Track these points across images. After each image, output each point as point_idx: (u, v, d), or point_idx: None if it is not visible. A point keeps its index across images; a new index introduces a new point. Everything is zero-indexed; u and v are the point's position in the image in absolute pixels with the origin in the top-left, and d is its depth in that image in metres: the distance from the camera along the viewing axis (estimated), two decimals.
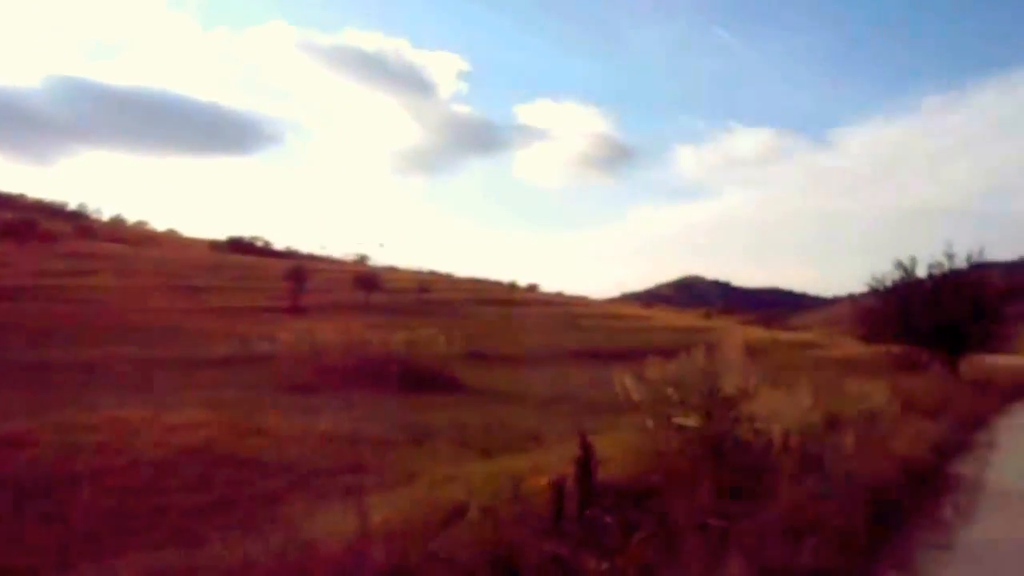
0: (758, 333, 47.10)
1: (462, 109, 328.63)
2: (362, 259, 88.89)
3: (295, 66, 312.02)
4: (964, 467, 9.60)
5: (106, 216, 78.54)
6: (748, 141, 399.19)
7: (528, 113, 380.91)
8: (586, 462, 5.03)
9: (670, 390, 7.78)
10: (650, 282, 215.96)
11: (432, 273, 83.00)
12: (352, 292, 47.56)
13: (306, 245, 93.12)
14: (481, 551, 4.54)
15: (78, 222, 65.05)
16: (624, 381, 7.57)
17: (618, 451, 7.21)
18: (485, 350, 25.82)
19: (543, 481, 6.17)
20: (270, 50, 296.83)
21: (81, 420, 8.56)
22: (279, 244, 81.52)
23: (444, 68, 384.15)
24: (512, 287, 71.95)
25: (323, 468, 7.62)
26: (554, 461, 7.22)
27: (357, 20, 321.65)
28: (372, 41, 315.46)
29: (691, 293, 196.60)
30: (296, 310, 38.10)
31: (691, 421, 6.94)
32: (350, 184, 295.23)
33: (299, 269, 43.70)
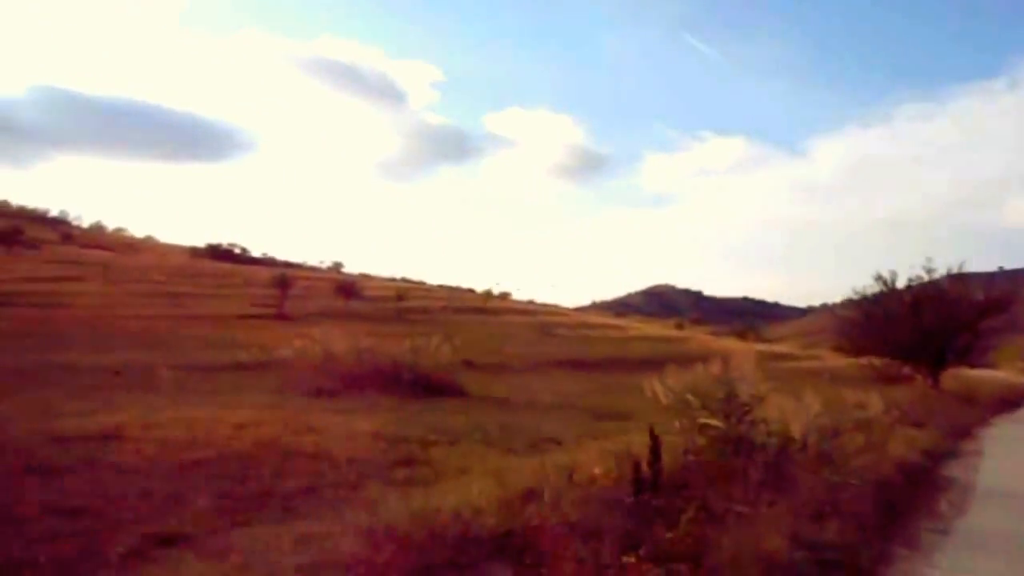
0: (734, 344, 48.44)
1: (435, 118, 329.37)
2: (337, 266, 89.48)
3: (270, 74, 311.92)
4: (954, 471, 10.67)
5: (86, 223, 78.37)
6: (721, 150, 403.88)
7: (499, 121, 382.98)
8: (656, 451, 5.93)
9: (689, 396, 8.75)
10: (620, 291, 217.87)
11: (405, 281, 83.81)
12: (332, 299, 48.22)
13: (281, 252, 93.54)
14: (565, 522, 5.42)
15: (61, 228, 64.98)
16: (654, 386, 8.50)
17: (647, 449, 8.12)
18: (470, 358, 26.67)
19: (596, 471, 7.09)
20: (245, 58, 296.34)
21: (157, 418, 9.33)
22: (256, 251, 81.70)
23: (418, 77, 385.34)
24: (487, 295, 72.70)
25: (380, 462, 8.46)
26: (587, 458, 8.13)
27: (332, 29, 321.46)
28: (347, 50, 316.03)
29: (661, 302, 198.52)
30: (282, 317, 38.70)
31: (716, 422, 7.87)
32: (324, 192, 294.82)
33: (284, 277, 44.29)
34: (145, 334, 25.91)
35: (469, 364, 24.62)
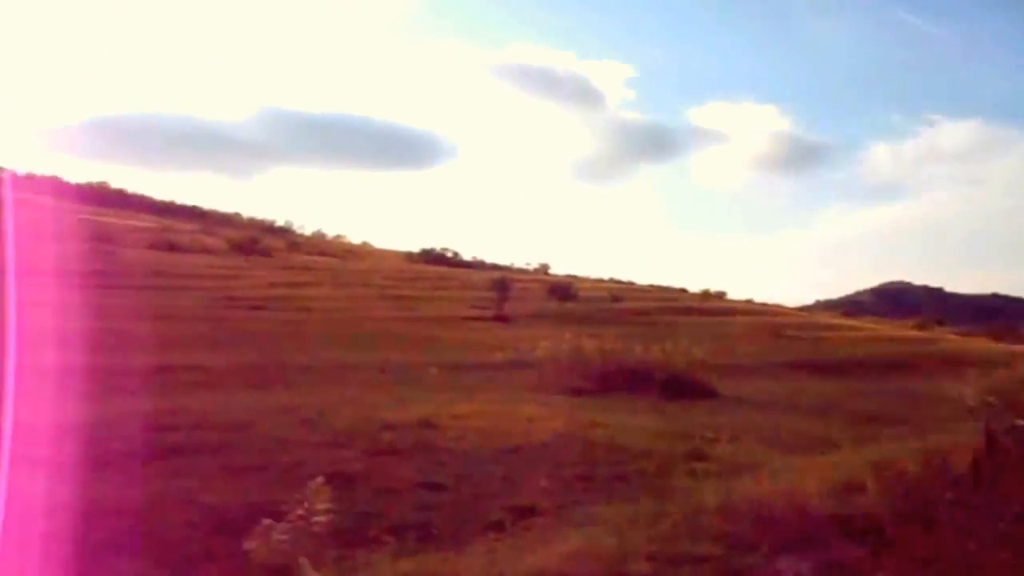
0: (991, 346, 45.18)
1: (632, 116, 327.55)
2: (544, 268, 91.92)
3: (467, 82, 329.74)
4: None
5: (308, 231, 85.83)
6: (953, 134, 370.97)
7: (702, 116, 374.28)
8: (992, 449, 6.29)
9: (992, 398, 8.86)
10: (847, 288, 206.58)
11: (614, 281, 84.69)
12: (545, 301, 49.90)
13: (490, 255, 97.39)
14: (894, 512, 5.93)
15: (286, 237, 71.88)
16: (962, 390, 8.74)
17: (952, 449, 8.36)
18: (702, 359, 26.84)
19: (908, 468, 7.48)
20: (443, 68, 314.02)
21: (454, 410, 10.68)
22: (466, 254, 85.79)
23: (611, 76, 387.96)
24: (705, 295, 72.06)
25: (671, 455, 9.21)
26: (885, 458, 8.48)
27: (524, 35, 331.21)
28: (539, 55, 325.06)
29: (895, 300, 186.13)
30: (501, 319, 40.70)
31: None
32: (525, 195, 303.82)
33: (504, 280, 46.40)
34: (386, 335, 28.30)
35: (703, 365, 24.94)
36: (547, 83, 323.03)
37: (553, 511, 6.31)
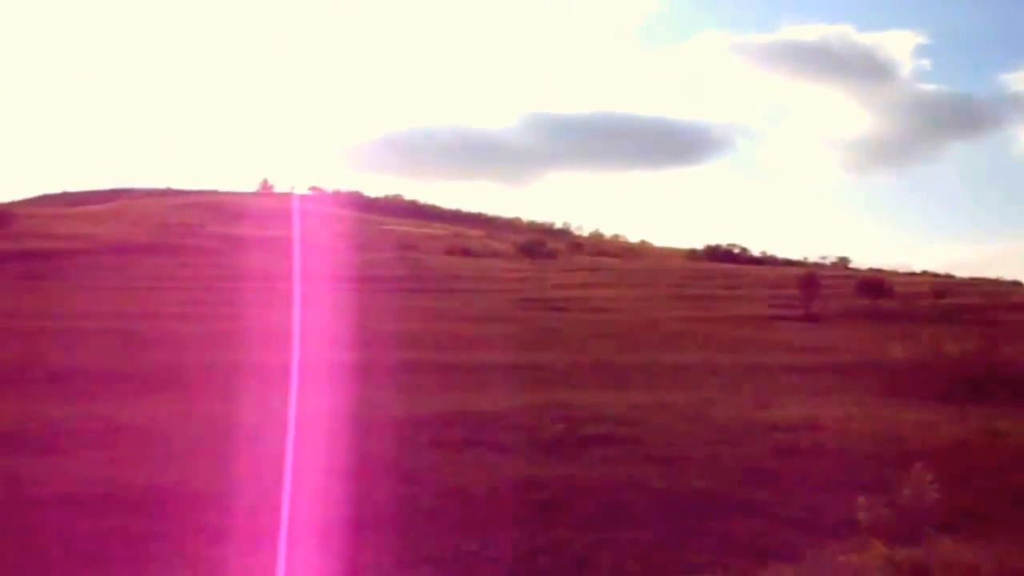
0: None
1: (927, 88, 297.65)
2: (843, 262, 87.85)
3: (733, 70, 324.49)
4: None
5: (586, 232, 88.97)
6: None
7: (1018, 81, 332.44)
8: None
9: None
10: None
11: (928, 274, 79.50)
12: (854, 298, 47.74)
13: (779, 249, 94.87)
14: None
15: (566, 238, 75.12)
16: None
17: None
18: None
19: None
20: (707, 59, 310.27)
21: (831, 412, 10.84)
22: (754, 249, 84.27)
23: (898, 46, 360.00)
24: None
25: None
26: None
27: (793, 15, 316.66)
28: (812, 33, 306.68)
29: None
30: (810, 318, 39.50)
31: None
32: (808, 185, 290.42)
33: (812, 276, 45.20)
34: (692, 335, 28.61)
35: None
36: (824, 62, 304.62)
37: (1001, 517, 6.33)
